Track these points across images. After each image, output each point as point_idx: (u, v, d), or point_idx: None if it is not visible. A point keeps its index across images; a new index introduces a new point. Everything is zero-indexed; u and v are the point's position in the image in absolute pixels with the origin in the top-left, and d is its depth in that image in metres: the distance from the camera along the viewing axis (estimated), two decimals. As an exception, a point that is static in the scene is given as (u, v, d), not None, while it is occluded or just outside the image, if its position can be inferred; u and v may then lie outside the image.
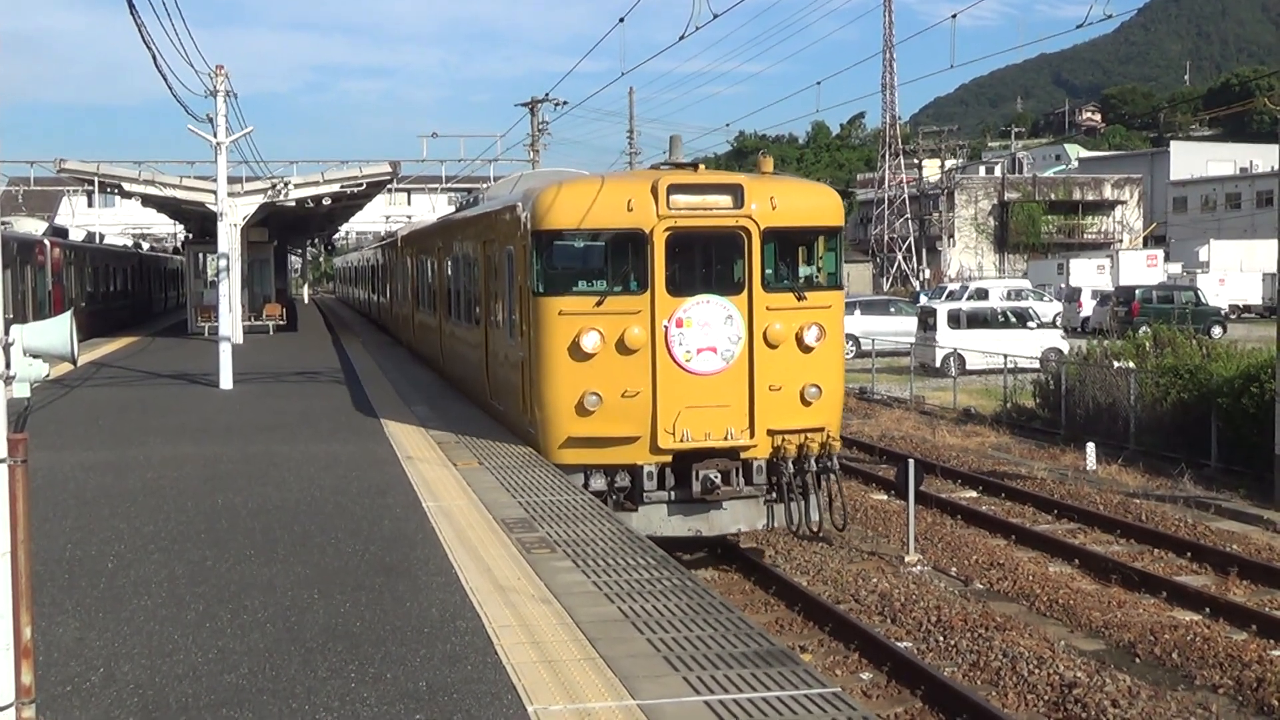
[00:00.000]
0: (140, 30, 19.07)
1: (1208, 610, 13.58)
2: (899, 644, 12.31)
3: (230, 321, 25.04)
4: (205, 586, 8.94)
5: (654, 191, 13.89)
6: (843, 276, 15.36)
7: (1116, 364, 26.19)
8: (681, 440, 13.89)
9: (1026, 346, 34.37)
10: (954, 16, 25.48)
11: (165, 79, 21.54)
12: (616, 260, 14.42)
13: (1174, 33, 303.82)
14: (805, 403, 14.25)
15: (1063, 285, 62.41)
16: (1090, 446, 22.77)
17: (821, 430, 14.43)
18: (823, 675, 7.66)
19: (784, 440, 14.25)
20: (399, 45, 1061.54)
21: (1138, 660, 12.20)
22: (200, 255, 41.15)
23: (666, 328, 13.87)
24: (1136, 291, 52.76)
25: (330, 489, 12.59)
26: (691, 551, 15.41)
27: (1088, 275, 64.10)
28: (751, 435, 14.10)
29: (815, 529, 14.78)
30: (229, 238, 25.86)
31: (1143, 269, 64.14)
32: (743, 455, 14.23)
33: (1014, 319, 39.62)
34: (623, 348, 13.80)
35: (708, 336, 13.96)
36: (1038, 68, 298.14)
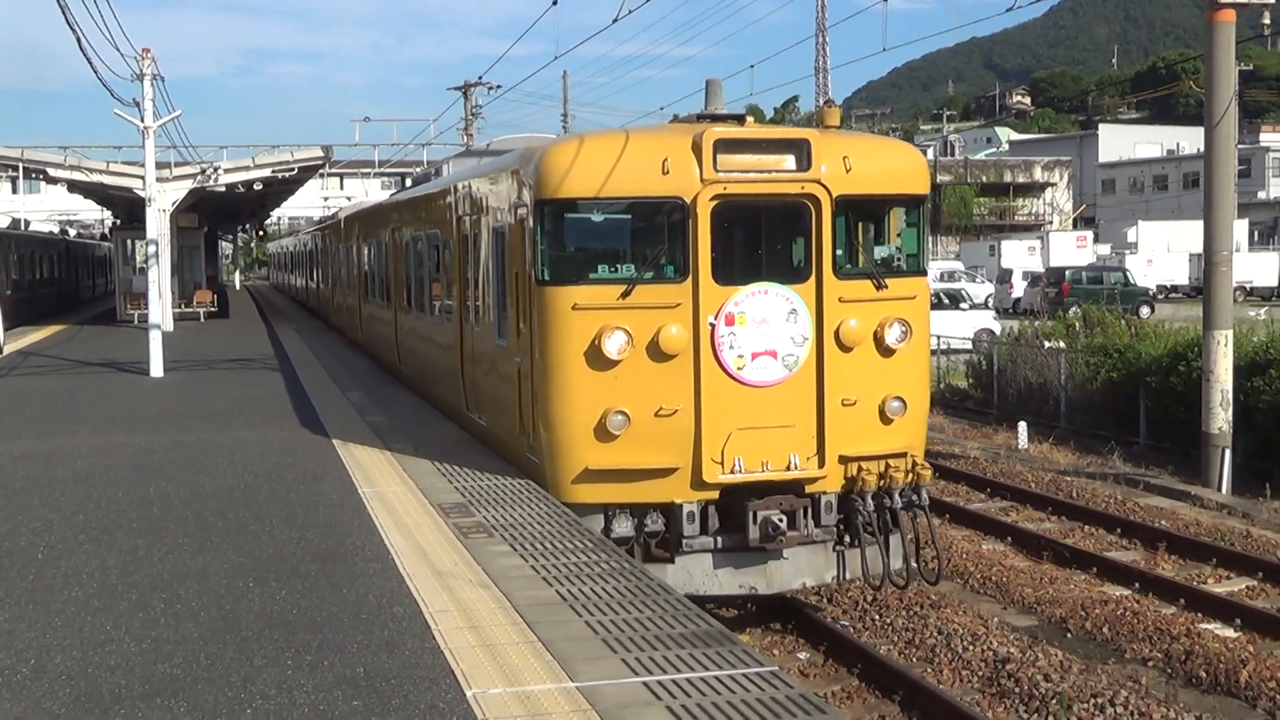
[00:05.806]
0: (64, 12, 18.77)
1: (1137, 585, 13.81)
2: (835, 623, 12.43)
3: (160, 308, 24.78)
4: (138, 576, 8.84)
5: (696, 149, 10.80)
6: (926, 259, 12.36)
7: (1047, 344, 26.58)
8: (732, 471, 10.93)
9: (959, 327, 34.77)
10: (885, 0, 25.67)
11: (90, 62, 21.25)
12: (647, 238, 11.40)
13: (1102, 17, 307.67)
14: (886, 420, 11.34)
15: (995, 267, 63.16)
16: (1022, 425, 23.06)
17: (905, 455, 11.44)
18: (760, 655, 7.72)
19: (860, 469, 11.31)
20: (329, 28, 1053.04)
21: (1069, 635, 12.39)
22: (129, 241, 40.59)
23: (713, 326, 10.88)
24: (1066, 272, 53.59)
25: (264, 475, 12.47)
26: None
27: (1019, 257, 64.87)
28: (820, 464, 11.13)
29: (902, 580, 11.88)
30: (158, 223, 25.53)
31: (1072, 250, 65.11)
32: (808, 489, 11.23)
33: (947, 300, 40.04)
34: (657, 352, 10.83)
35: (766, 337, 10.98)
36: (969, 52, 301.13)
